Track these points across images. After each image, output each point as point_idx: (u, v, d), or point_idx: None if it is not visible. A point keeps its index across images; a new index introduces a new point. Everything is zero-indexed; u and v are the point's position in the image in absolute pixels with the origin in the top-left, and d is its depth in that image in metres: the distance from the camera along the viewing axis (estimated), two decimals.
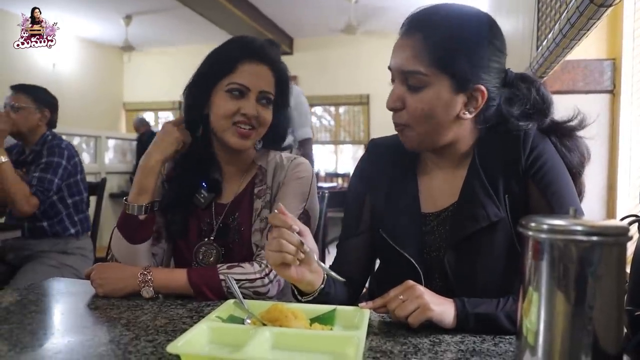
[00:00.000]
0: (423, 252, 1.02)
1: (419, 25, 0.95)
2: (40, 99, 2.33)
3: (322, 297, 0.93)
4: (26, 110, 2.28)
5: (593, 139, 1.09)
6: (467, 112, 0.96)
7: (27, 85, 2.34)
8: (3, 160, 2.07)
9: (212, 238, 1.20)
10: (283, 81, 1.22)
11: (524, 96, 0.99)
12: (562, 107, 1.07)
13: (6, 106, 2.28)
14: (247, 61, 1.16)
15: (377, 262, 1.19)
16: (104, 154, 4.66)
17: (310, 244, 0.89)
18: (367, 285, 1.25)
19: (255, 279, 1.06)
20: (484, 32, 0.95)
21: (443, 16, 0.95)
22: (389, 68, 0.99)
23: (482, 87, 0.94)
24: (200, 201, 1.23)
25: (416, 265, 0.99)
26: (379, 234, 1.05)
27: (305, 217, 1.18)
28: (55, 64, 7.11)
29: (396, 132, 1.12)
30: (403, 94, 0.95)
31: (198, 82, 1.20)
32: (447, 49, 0.92)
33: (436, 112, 0.94)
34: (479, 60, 0.93)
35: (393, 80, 0.98)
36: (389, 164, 1.10)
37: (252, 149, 1.26)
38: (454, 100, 0.94)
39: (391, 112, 0.99)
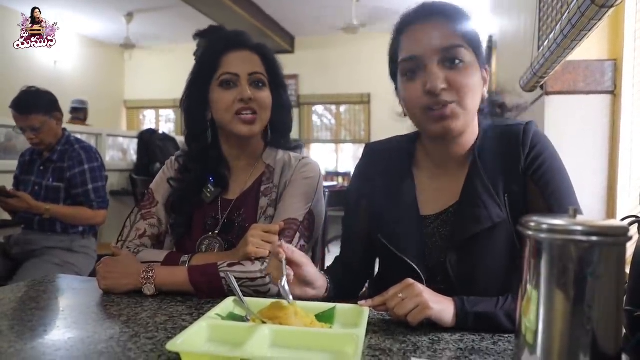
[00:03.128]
0: (424, 255, 1.02)
1: (436, 11, 0.96)
2: (46, 106, 2.34)
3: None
4: (45, 125, 2.32)
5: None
6: (484, 93, 1.00)
7: (29, 99, 2.33)
8: (47, 208, 2.25)
9: (216, 232, 1.21)
10: (270, 60, 1.24)
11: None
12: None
13: (24, 130, 2.31)
14: (229, 51, 1.19)
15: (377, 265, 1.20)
16: (105, 152, 4.65)
17: (307, 271, 0.95)
18: (366, 286, 1.26)
19: (256, 278, 1.06)
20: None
21: (449, 4, 0.98)
22: (409, 58, 0.95)
23: (487, 67, 1.00)
24: (207, 195, 1.24)
25: (417, 269, 0.99)
26: (379, 239, 1.05)
27: (310, 218, 1.18)
28: (57, 62, 7.10)
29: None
30: (446, 73, 0.93)
31: (192, 89, 1.22)
32: (469, 28, 0.95)
33: (476, 88, 0.95)
34: (481, 44, 1.00)
35: (414, 70, 0.94)
36: (386, 168, 1.10)
37: (260, 146, 1.27)
38: (481, 78, 0.97)
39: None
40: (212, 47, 1.21)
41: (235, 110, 1.16)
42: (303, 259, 0.94)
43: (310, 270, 0.97)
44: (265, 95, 1.20)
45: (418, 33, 0.95)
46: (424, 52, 0.93)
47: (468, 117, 0.96)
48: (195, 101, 1.22)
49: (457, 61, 0.93)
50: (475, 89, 0.94)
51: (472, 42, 0.95)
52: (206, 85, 1.19)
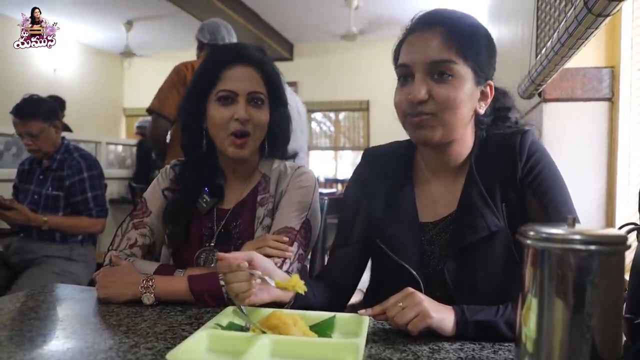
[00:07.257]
0: (422, 262, 1.02)
1: (440, 20, 0.95)
2: (47, 114, 2.34)
3: (298, 304, 0.97)
4: (44, 132, 2.31)
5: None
6: (481, 108, 0.99)
7: (30, 106, 2.33)
8: (45, 219, 2.26)
9: (212, 244, 1.21)
10: (272, 78, 1.21)
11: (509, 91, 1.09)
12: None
13: (23, 136, 2.31)
14: (231, 66, 1.17)
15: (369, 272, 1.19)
16: (104, 160, 4.65)
17: (262, 264, 0.91)
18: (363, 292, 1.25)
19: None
20: (487, 31, 1.00)
21: (457, 14, 0.98)
22: (402, 65, 0.97)
23: (491, 83, 0.98)
24: (203, 205, 1.23)
25: (416, 275, 0.99)
26: (376, 245, 1.05)
27: (307, 227, 1.18)
28: (56, 69, 7.12)
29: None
30: (429, 85, 0.94)
31: (190, 100, 1.21)
32: (470, 40, 0.94)
33: (462, 103, 0.94)
34: (490, 56, 0.98)
35: (406, 76, 0.97)
36: (385, 173, 1.10)
37: (256, 156, 1.27)
38: (475, 93, 0.96)
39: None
40: (213, 60, 1.20)
41: (230, 130, 1.15)
42: (250, 255, 0.91)
43: (266, 264, 0.93)
44: (263, 114, 1.19)
45: (415, 42, 0.96)
46: (414, 62, 0.95)
47: (448, 130, 0.95)
48: (193, 112, 1.21)
49: (444, 75, 0.93)
50: (462, 104, 0.93)
51: (471, 57, 0.93)
52: (204, 98, 1.18)
